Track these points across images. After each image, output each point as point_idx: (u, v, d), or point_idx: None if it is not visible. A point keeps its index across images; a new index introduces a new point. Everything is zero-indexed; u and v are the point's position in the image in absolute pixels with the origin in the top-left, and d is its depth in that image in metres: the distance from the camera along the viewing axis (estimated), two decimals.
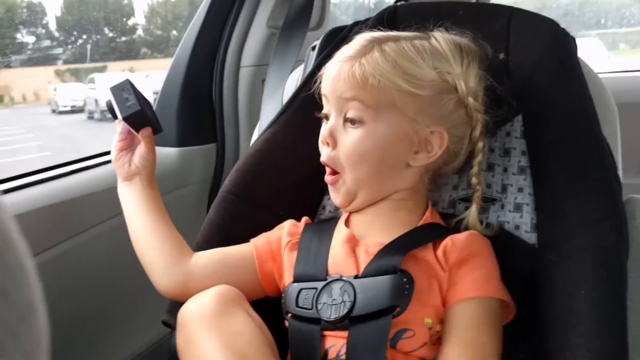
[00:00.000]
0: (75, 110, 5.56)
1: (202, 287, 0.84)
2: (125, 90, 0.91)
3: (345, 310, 0.75)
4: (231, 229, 0.94)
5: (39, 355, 0.25)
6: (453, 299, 0.76)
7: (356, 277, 0.77)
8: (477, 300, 0.76)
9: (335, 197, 0.87)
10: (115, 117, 0.94)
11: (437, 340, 0.77)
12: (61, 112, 5.58)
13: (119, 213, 0.93)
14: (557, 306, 0.78)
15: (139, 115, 0.91)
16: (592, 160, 0.83)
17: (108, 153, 1.02)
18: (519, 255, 0.86)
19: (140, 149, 0.94)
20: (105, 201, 1.11)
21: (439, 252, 0.79)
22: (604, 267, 0.76)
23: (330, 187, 0.87)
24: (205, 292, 0.77)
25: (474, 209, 0.87)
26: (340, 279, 0.78)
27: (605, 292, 0.75)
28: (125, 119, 0.91)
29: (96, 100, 5.20)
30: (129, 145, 0.95)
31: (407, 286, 0.74)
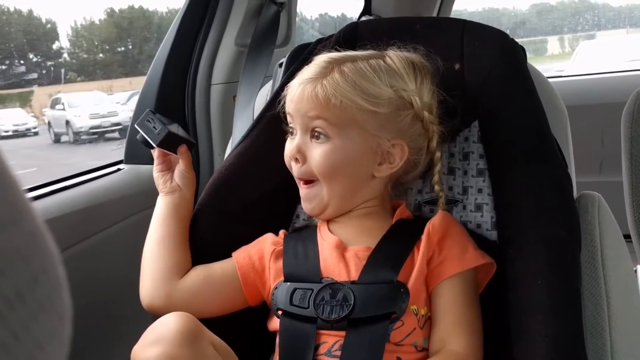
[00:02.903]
0: (18, 135, 5.04)
1: (185, 304, 0.88)
2: (149, 120, 0.97)
3: (346, 312, 0.80)
4: (209, 239, 0.98)
5: (67, 319, 0.26)
6: (436, 280, 0.84)
7: (353, 282, 0.83)
8: (458, 277, 0.84)
9: (307, 205, 0.91)
10: (150, 147, 0.99)
11: (424, 323, 0.83)
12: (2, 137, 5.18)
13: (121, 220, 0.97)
14: (517, 297, 0.84)
15: (170, 138, 0.97)
16: (542, 159, 0.89)
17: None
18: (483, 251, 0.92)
19: (179, 167, 0.99)
20: (112, 210, 1.16)
21: (423, 240, 0.85)
22: (557, 258, 0.82)
23: (303, 197, 0.91)
24: (165, 332, 0.72)
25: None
26: (338, 283, 0.83)
27: (559, 281, 0.81)
28: (159, 145, 0.97)
29: (67, 122, 4.98)
30: (168, 167, 1.00)
31: (404, 296, 0.81)
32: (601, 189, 0.96)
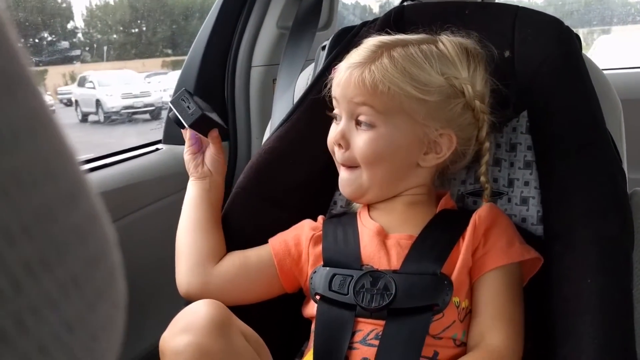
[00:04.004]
0: None
1: (221, 291, 0.88)
2: (184, 99, 0.96)
3: (387, 301, 0.78)
4: (245, 223, 0.97)
5: (122, 305, 0.25)
6: (479, 272, 0.81)
7: (395, 271, 0.81)
8: (502, 269, 0.81)
9: (346, 189, 0.88)
10: (181, 126, 0.99)
11: (464, 317, 0.80)
12: None
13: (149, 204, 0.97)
14: (564, 295, 0.81)
15: (202, 120, 0.96)
16: (596, 153, 0.85)
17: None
18: None
19: (210, 151, 0.98)
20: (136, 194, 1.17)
21: (469, 231, 0.82)
22: (609, 257, 0.79)
23: (342, 180, 0.89)
24: (195, 321, 0.71)
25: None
26: (380, 271, 0.81)
27: (611, 281, 0.77)
28: (191, 126, 0.96)
29: (97, 101, 4.81)
30: (199, 149, 0.99)
31: (447, 289, 0.78)
32: None
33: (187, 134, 0.99)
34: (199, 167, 0.97)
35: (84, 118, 4.94)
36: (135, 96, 4.76)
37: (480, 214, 0.84)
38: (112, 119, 4.77)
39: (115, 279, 0.24)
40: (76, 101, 4.98)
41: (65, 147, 0.22)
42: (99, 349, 0.22)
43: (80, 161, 0.23)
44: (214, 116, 1.00)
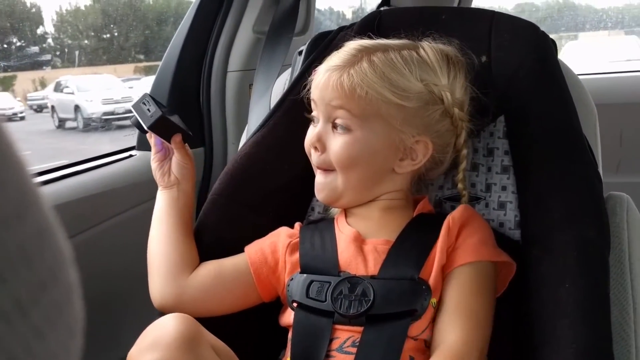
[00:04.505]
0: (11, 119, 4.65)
1: (196, 302, 0.86)
2: (145, 103, 0.93)
3: (365, 307, 0.77)
4: (222, 231, 0.95)
5: (78, 330, 0.22)
6: (448, 268, 0.80)
7: (373, 277, 0.79)
8: (470, 266, 0.80)
9: (320, 193, 0.87)
10: (142, 130, 0.96)
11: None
12: None
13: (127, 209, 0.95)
14: (542, 300, 0.81)
15: (162, 122, 0.93)
16: (573, 157, 0.86)
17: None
18: (504, 251, 0.89)
19: (176, 158, 0.95)
20: (118, 197, 1.15)
21: (442, 232, 0.81)
22: (586, 261, 0.79)
23: (317, 184, 0.88)
24: (162, 337, 0.70)
25: None
26: (357, 277, 0.80)
27: (589, 285, 0.77)
28: (150, 129, 0.93)
29: (76, 107, 4.59)
30: (165, 156, 0.96)
31: (425, 293, 0.77)
32: (619, 190, 0.92)
33: (151, 140, 0.97)
34: (166, 175, 0.95)
35: (61, 124, 4.72)
36: (117, 102, 4.64)
37: (454, 215, 0.83)
38: (93, 125, 4.62)
39: (69, 303, 0.21)
40: (52, 107, 4.77)
41: (13, 155, 0.20)
42: None
43: (31, 170, 0.21)
44: (176, 119, 0.96)
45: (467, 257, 0.80)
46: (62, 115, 4.71)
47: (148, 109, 0.93)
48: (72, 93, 4.69)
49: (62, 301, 0.21)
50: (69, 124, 4.69)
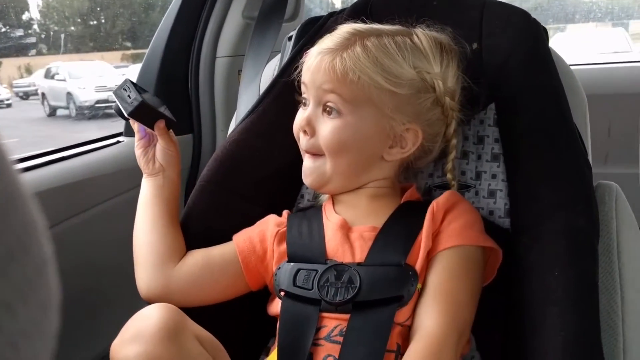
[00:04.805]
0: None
1: (184, 292, 0.85)
2: (126, 89, 0.91)
3: (351, 294, 0.76)
4: (210, 219, 0.94)
5: (53, 308, 0.21)
6: (433, 252, 0.79)
7: (360, 264, 0.79)
8: (455, 249, 0.79)
9: (307, 176, 0.86)
10: (123, 117, 0.93)
11: None
12: None
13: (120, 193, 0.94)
14: (531, 288, 0.81)
15: (143, 108, 0.91)
16: (563, 146, 0.85)
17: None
18: (494, 239, 0.89)
19: (160, 144, 0.94)
20: (108, 183, 1.14)
21: (427, 217, 0.80)
22: (576, 249, 0.79)
23: (304, 168, 0.86)
24: (145, 328, 0.69)
25: None
26: (344, 264, 0.79)
27: (578, 273, 0.77)
28: (130, 115, 0.91)
29: (69, 94, 4.48)
30: (149, 143, 0.95)
31: (412, 279, 0.77)
32: (607, 180, 0.92)
33: (135, 126, 0.95)
34: (150, 162, 0.94)
35: (52, 112, 4.64)
36: (110, 89, 4.55)
37: (439, 200, 0.82)
38: (87, 114, 4.51)
39: (42, 276, 0.20)
40: (43, 94, 4.67)
41: None
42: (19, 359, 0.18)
43: (15, 163, 0.19)
44: (158, 105, 0.94)
45: (450, 241, 0.79)
46: (53, 103, 4.63)
47: (129, 95, 0.90)
48: (64, 80, 4.59)
49: (33, 274, 0.19)
50: (60, 112, 4.59)
